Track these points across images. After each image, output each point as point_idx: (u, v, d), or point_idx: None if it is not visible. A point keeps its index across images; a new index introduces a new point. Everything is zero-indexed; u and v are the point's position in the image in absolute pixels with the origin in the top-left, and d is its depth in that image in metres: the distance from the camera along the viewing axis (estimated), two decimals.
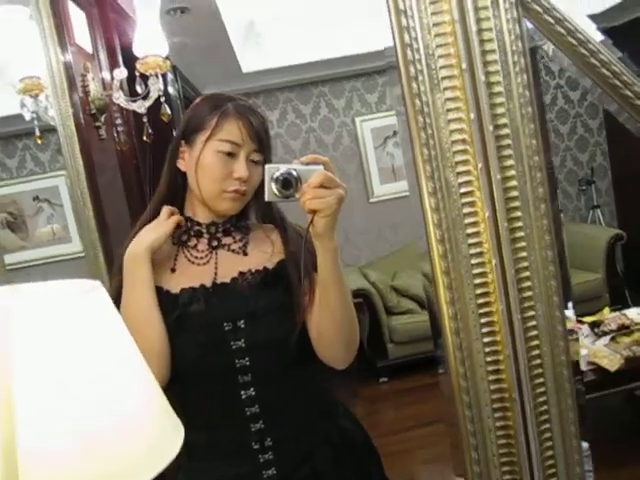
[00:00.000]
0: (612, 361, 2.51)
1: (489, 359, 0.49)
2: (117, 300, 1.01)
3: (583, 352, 2.60)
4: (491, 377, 0.49)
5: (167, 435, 0.70)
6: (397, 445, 3.13)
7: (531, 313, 0.49)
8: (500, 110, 0.47)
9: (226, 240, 1.08)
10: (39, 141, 1.74)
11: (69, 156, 1.61)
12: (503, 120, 0.47)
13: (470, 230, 0.48)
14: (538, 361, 0.50)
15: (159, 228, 1.03)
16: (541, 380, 0.50)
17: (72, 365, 0.61)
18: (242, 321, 1.02)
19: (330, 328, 1.00)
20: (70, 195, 1.70)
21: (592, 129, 5.01)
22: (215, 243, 1.07)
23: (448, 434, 0.58)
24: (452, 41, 0.46)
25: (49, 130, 1.74)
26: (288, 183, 0.89)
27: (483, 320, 0.49)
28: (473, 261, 0.48)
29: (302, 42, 4.08)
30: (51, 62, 1.60)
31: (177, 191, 1.08)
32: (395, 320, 4.00)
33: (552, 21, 0.48)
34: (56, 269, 1.70)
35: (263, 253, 1.08)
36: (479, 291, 0.48)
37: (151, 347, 0.96)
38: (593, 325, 2.93)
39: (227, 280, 1.04)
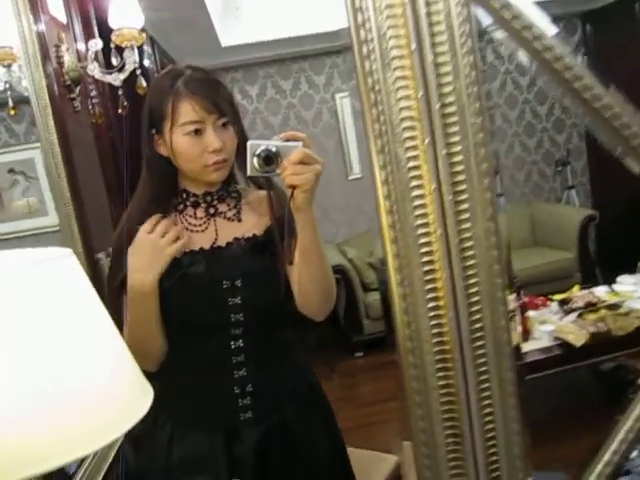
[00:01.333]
0: (578, 337, 2.60)
1: (433, 322, 0.53)
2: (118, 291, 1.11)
3: (550, 328, 2.69)
4: (435, 340, 0.53)
5: (135, 398, 0.73)
6: (375, 416, 3.22)
7: (474, 280, 0.53)
8: (447, 89, 0.50)
9: (221, 207, 1.16)
10: (12, 112, 1.72)
11: (43, 128, 1.61)
12: (450, 99, 0.50)
13: (417, 202, 0.51)
14: (479, 325, 0.53)
15: (161, 257, 1.07)
16: (482, 342, 0.53)
17: (44, 324, 0.63)
18: (239, 280, 1.10)
19: (310, 286, 1.10)
20: (45, 167, 1.69)
21: (569, 110, 5.08)
22: (212, 211, 1.15)
23: (400, 407, 0.62)
24: (402, 22, 0.49)
25: (24, 101, 1.72)
26: (269, 159, 0.96)
27: (428, 286, 0.52)
28: (419, 231, 0.51)
29: (282, 17, 4.04)
30: (24, 32, 1.59)
31: (165, 173, 1.13)
32: (371, 296, 4.07)
33: (497, 6, 0.51)
34: (32, 242, 1.70)
35: (253, 218, 1.16)
36: (425, 259, 0.52)
37: (152, 355, 1.11)
38: (562, 302, 3.02)
39: (223, 244, 1.13)
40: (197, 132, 1.05)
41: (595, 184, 5.09)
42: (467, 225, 0.52)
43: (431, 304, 0.53)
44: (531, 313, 2.87)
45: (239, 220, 1.16)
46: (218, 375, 1.14)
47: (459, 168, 0.51)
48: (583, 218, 4.27)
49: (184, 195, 1.14)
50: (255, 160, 0.96)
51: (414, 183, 0.51)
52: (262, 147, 0.96)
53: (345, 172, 4.78)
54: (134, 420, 0.69)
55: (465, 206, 0.51)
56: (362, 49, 0.50)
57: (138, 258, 1.07)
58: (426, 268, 0.52)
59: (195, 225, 1.14)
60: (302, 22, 4.09)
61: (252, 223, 1.16)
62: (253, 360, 1.13)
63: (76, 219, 1.66)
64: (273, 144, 0.96)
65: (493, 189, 0.52)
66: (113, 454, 1.57)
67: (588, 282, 3.74)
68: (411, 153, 0.51)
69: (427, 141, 0.50)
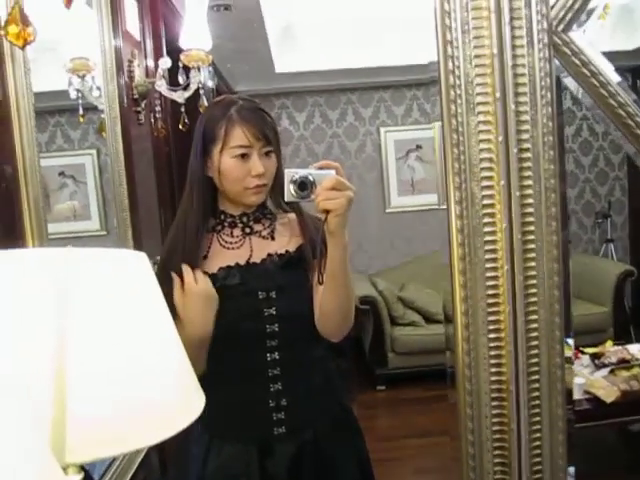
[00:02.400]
0: (608, 393, 2.55)
1: (492, 353, 0.55)
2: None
3: (580, 381, 2.64)
4: (493, 369, 0.56)
5: (191, 399, 0.77)
6: (390, 452, 3.18)
7: (534, 317, 0.55)
8: (525, 136, 0.54)
9: (257, 227, 1.22)
10: (82, 119, 1.81)
11: (111, 136, 1.69)
12: (527, 145, 0.54)
13: (488, 238, 0.54)
14: (536, 360, 0.56)
15: (213, 304, 1.14)
16: (536, 377, 0.56)
17: (119, 317, 0.68)
18: (274, 292, 1.16)
19: (332, 308, 1.16)
20: (95, 173, 1.75)
21: (614, 163, 5.04)
22: (248, 230, 1.21)
23: (450, 446, 0.65)
24: (489, 72, 0.53)
25: (87, 108, 1.80)
26: (304, 185, 1.04)
27: (491, 318, 0.55)
28: (487, 265, 0.54)
29: (336, 49, 4.16)
30: (104, 46, 1.69)
31: (208, 193, 1.20)
32: (398, 330, 4.05)
33: (579, 63, 0.55)
34: (73, 245, 1.76)
35: (285, 238, 1.23)
36: (490, 292, 0.55)
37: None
38: (594, 356, 2.96)
39: (257, 260, 1.18)
40: (244, 156, 1.14)
41: (635, 239, 5.01)
42: (532, 264, 0.55)
43: (492, 335, 0.56)
44: None
45: (272, 238, 1.22)
46: (254, 388, 1.17)
47: (530, 210, 0.55)
48: (620, 273, 4.20)
49: (222, 216, 1.21)
50: (291, 187, 1.05)
51: (487, 220, 0.54)
52: (298, 175, 1.04)
53: (383, 205, 4.81)
54: (189, 420, 0.72)
55: (532, 246, 0.55)
56: (450, 93, 0.54)
57: (192, 309, 1.12)
58: (490, 301, 0.55)
59: (231, 243, 1.20)
60: (355, 55, 4.19)
61: (285, 241, 1.22)
62: (288, 374, 1.17)
63: (131, 225, 1.73)
64: (308, 172, 1.05)
65: (560, 232, 0.56)
66: (140, 459, 1.61)
67: (621, 338, 3.66)
68: (487, 192, 0.54)
69: (503, 183, 0.54)
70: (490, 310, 0.56)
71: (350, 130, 4.83)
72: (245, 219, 1.21)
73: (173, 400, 0.72)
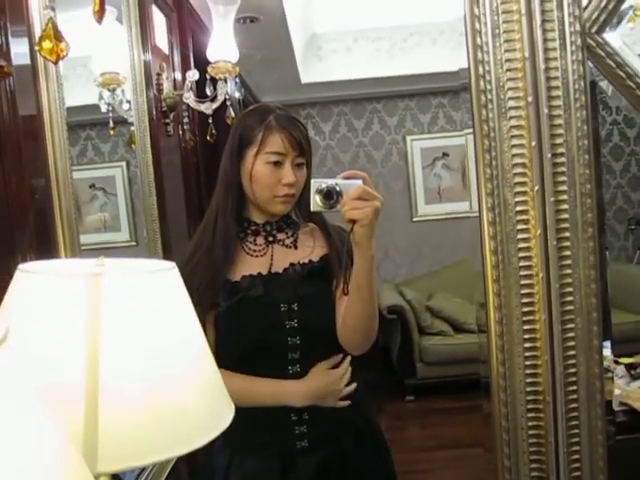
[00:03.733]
0: None
1: (528, 363, 0.54)
2: None
3: (616, 392, 2.56)
4: (528, 380, 0.54)
5: (221, 408, 0.77)
6: (418, 464, 3.14)
7: (571, 325, 0.54)
8: (559, 140, 0.53)
9: (280, 236, 1.22)
10: (112, 132, 1.84)
11: (140, 148, 1.72)
12: (561, 149, 0.53)
13: (522, 245, 0.53)
14: (573, 370, 0.54)
15: None
16: (574, 388, 0.54)
17: (149, 328, 0.68)
18: (296, 304, 1.15)
19: (355, 320, 1.13)
20: (125, 185, 1.78)
21: None
22: (271, 239, 1.21)
23: (485, 458, 0.63)
24: (521, 76, 0.52)
25: (117, 122, 1.84)
26: (330, 195, 1.03)
27: (526, 327, 0.54)
28: (522, 273, 0.53)
29: (361, 58, 4.17)
30: (134, 61, 1.72)
31: (238, 196, 1.20)
32: (427, 340, 4.01)
33: (613, 65, 0.53)
34: (104, 255, 1.78)
35: (309, 247, 1.22)
36: (525, 300, 0.53)
37: None
38: (630, 367, 2.88)
39: (280, 270, 1.18)
40: (277, 164, 1.14)
41: None
42: (569, 271, 0.53)
43: (527, 344, 0.54)
44: None
45: (295, 247, 1.21)
46: None
47: (565, 216, 0.53)
48: None
49: (246, 224, 1.21)
50: (318, 196, 1.03)
51: (520, 227, 0.53)
52: (325, 184, 1.03)
53: (410, 214, 4.79)
54: (219, 430, 0.72)
55: (568, 253, 0.53)
56: (480, 98, 0.53)
57: (326, 390, 1.16)
58: (525, 309, 0.54)
59: (255, 251, 1.20)
60: (380, 64, 4.20)
61: (308, 251, 1.21)
62: None
63: (160, 235, 1.75)
64: (334, 182, 1.03)
65: (596, 238, 0.54)
66: (169, 468, 1.61)
67: None
68: (520, 198, 0.53)
69: (537, 188, 0.53)
70: (525, 319, 0.54)
71: (376, 139, 4.83)
72: (269, 227, 1.21)
73: (203, 410, 0.72)
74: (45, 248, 1.13)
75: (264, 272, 1.17)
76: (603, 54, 0.54)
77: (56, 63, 0.94)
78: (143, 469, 1.47)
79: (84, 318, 0.66)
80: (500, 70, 0.53)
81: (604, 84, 0.60)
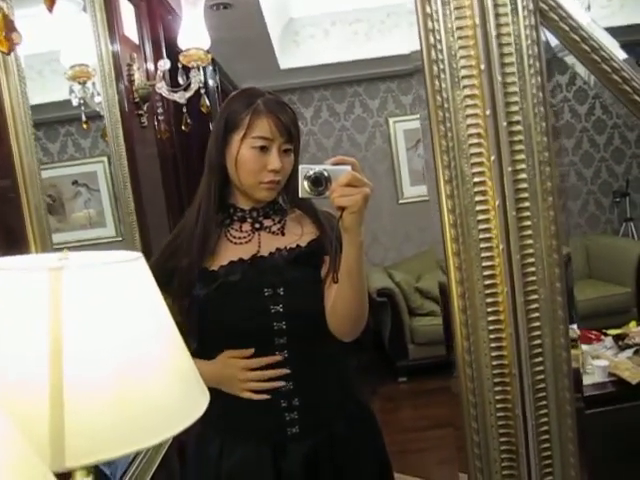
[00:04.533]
0: (634, 374, 2.49)
1: (492, 336, 0.53)
2: None
3: (604, 363, 2.58)
4: (493, 353, 0.54)
5: (194, 397, 0.76)
6: (413, 444, 3.16)
7: (534, 297, 0.53)
8: (514, 108, 0.51)
9: (267, 222, 1.20)
10: (85, 127, 1.81)
11: (113, 141, 1.69)
12: (517, 117, 0.52)
13: (481, 217, 0.52)
14: (538, 341, 0.54)
15: (234, 386, 1.15)
16: (540, 359, 0.54)
17: (114, 320, 0.67)
18: (281, 289, 1.13)
19: (345, 307, 1.11)
20: (107, 180, 1.76)
21: (630, 141, 4.94)
22: (258, 225, 1.19)
23: (455, 436, 0.63)
24: (473, 44, 0.51)
25: (92, 117, 1.80)
26: (319, 182, 1.00)
27: (489, 300, 0.53)
28: (482, 245, 0.52)
29: (339, 41, 4.13)
30: (101, 52, 1.69)
31: (222, 181, 1.17)
32: (417, 321, 4.02)
33: (567, 28, 0.52)
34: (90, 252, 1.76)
35: (296, 233, 1.20)
36: (486, 273, 0.53)
37: None
38: (617, 338, 2.90)
39: (265, 254, 1.16)
40: (263, 149, 1.12)
41: None
42: (529, 241, 0.53)
43: (491, 317, 0.53)
44: (584, 347, 2.77)
45: (282, 234, 1.19)
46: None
47: (523, 185, 0.52)
48: None
49: (231, 210, 1.19)
50: (306, 183, 1.01)
51: (479, 198, 0.52)
52: (313, 170, 1.00)
53: (396, 196, 4.78)
54: (191, 419, 0.71)
55: (528, 223, 0.52)
56: (432, 68, 0.52)
57: (221, 376, 1.13)
58: (487, 282, 0.53)
59: (239, 238, 1.18)
60: (358, 46, 4.16)
61: (295, 237, 1.19)
62: (299, 373, 1.14)
63: (138, 228, 1.73)
64: (323, 168, 1.01)
65: (557, 207, 0.53)
66: (159, 459, 1.61)
67: None
68: (477, 169, 0.52)
69: (493, 158, 0.52)
70: (487, 292, 0.53)
71: (358, 122, 4.80)
72: (255, 214, 1.19)
73: (175, 399, 0.71)
74: (15, 248, 1.11)
75: (245, 257, 1.15)
76: (556, 18, 0.53)
77: (8, 53, 0.91)
78: (133, 460, 1.47)
79: (46, 312, 0.64)
80: (451, 38, 0.51)
81: (570, 59, 0.58)
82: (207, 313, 1.13)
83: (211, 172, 1.17)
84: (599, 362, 2.62)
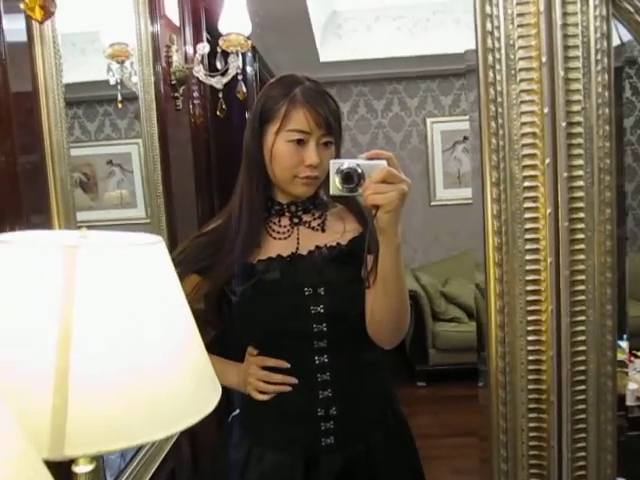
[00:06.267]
0: None
1: (531, 358, 0.49)
2: None
3: (633, 387, 2.49)
4: (530, 376, 0.49)
5: (205, 392, 0.72)
6: (428, 451, 3.09)
7: (581, 318, 0.48)
8: (576, 107, 0.46)
9: (306, 217, 1.13)
10: (120, 105, 1.80)
11: (146, 122, 1.68)
12: (577, 118, 0.46)
13: (529, 225, 0.47)
14: (582, 367, 0.49)
15: (243, 383, 1.12)
16: (582, 387, 0.49)
17: (127, 305, 0.64)
18: (322, 288, 1.06)
19: (382, 312, 1.03)
20: (141, 162, 1.76)
21: None
22: (296, 220, 1.12)
23: (479, 448, 0.57)
24: (535, 33, 0.46)
25: (129, 98, 1.80)
26: (350, 178, 0.92)
27: (530, 318, 0.48)
28: (528, 257, 0.47)
29: (381, 37, 4.06)
30: (140, 31, 1.67)
31: (261, 172, 1.11)
32: (440, 326, 3.95)
33: None
34: (120, 231, 1.77)
35: (337, 230, 1.12)
36: (530, 288, 0.48)
37: None
38: None
39: (304, 253, 1.09)
40: (300, 142, 1.04)
41: None
42: (581, 257, 0.47)
43: (531, 337, 0.49)
44: None
45: (323, 230, 1.12)
46: (302, 394, 1.08)
47: (579, 194, 0.47)
48: None
49: (269, 203, 1.13)
50: (337, 179, 0.93)
51: (528, 205, 0.47)
52: (345, 165, 0.92)
53: (428, 198, 4.70)
54: (201, 415, 0.68)
55: (581, 236, 0.47)
56: (487, 57, 0.47)
57: (233, 374, 1.12)
58: (530, 298, 0.48)
59: (278, 232, 1.12)
60: (401, 43, 4.09)
61: (336, 233, 1.12)
62: (339, 380, 1.07)
63: (165, 211, 1.72)
64: (356, 162, 0.92)
65: (614, 220, 0.48)
66: (168, 448, 1.59)
67: None
68: (528, 172, 0.47)
69: (548, 161, 0.46)
70: (530, 309, 0.49)
71: (395, 120, 4.73)
72: (293, 208, 1.12)
73: (185, 393, 0.68)
74: (37, 224, 1.09)
75: (284, 254, 1.09)
76: (631, 9, 0.48)
77: (42, 22, 0.88)
78: (140, 447, 1.45)
79: (58, 291, 0.61)
80: (511, 26, 0.46)
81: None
82: (243, 311, 1.08)
83: (249, 164, 1.11)
84: (629, 385, 2.52)
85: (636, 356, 2.90)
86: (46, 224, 1.09)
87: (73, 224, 1.14)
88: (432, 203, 4.71)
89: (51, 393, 0.59)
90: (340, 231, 1.12)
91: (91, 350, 0.61)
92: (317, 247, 1.10)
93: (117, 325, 0.64)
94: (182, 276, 1.06)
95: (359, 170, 0.92)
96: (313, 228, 1.12)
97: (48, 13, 0.81)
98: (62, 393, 0.59)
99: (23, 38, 1.05)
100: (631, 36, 0.50)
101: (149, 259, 0.70)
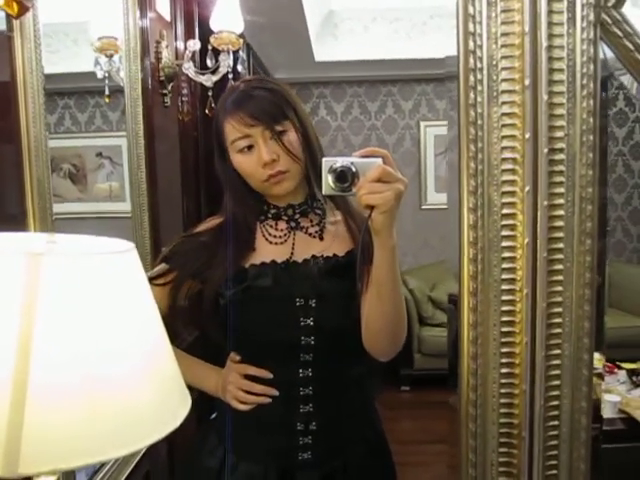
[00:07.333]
0: None
1: (503, 391, 0.47)
2: None
3: (615, 399, 2.48)
4: (502, 410, 0.47)
5: (172, 406, 0.70)
6: (408, 457, 3.08)
7: (557, 351, 0.46)
8: (559, 134, 0.44)
9: (304, 222, 1.09)
10: (107, 100, 1.78)
11: (131, 118, 1.65)
12: (560, 144, 0.45)
13: (506, 254, 0.45)
14: (556, 402, 0.47)
15: (223, 391, 1.10)
16: (555, 422, 0.47)
17: (93, 315, 0.61)
18: (314, 300, 1.03)
19: (378, 320, 0.99)
20: (131, 155, 1.74)
21: None
22: (294, 224, 1.08)
23: (448, 454, 0.55)
24: (519, 54, 0.44)
25: (121, 91, 1.78)
26: (344, 176, 0.87)
27: (504, 350, 0.46)
28: (504, 287, 0.46)
29: (377, 38, 4.04)
30: (128, 25, 1.64)
31: (240, 186, 1.08)
32: (427, 331, 3.95)
33: (632, 47, 0.45)
34: (109, 224, 1.75)
35: (335, 239, 1.09)
36: (505, 319, 0.46)
37: None
38: (632, 373, 2.79)
39: (299, 260, 1.06)
40: (250, 148, 1.01)
41: None
42: (559, 288, 0.46)
43: (504, 370, 0.47)
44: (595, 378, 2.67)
45: (321, 238, 1.09)
46: (282, 406, 1.06)
47: (559, 223, 0.45)
48: None
49: (265, 207, 1.09)
50: (330, 177, 0.88)
51: (505, 233, 0.45)
52: (338, 163, 0.87)
53: (419, 202, 4.69)
54: (168, 429, 0.66)
55: (560, 267, 0.45)
56: (469, 77, 0.45)
57: (211, 379, 1.11)
58: (505, 329, 0.46)
59: (275, 237, 1.08)
60: (397, 45, 4.07)
61: (334, 243, 1.08)
62: (322, 395, 1.05)
63: (148, 210, 1.69)
64: (350, 160, 0.87)
65: (594, 253, 0.46)
66: (131, 467, 1.55)
67: None
68: (507, 199, 0.45)
69: (527, 189, 0.45)
70: (504, 340, 0.47)
71: (389, 123, 4.72)
72: (290, 212, 1.08)
73: (151, 409, 0.65)
74: (10, 222, 1.06)
75: (278, 260, 1.05)
76: (620, 33, 0.46)
77: (16, 18, 0.85)
78: (100, 468, 1.41)
79: (18, 302, 0.59)
80: (494, 45, 0.44)
81: (626, 78, 0.51)
82: (230, 315, 1.03)
83: (228, 185, 1.08)
84: (610, 397, 2.51)
85: (620, 367, 2.90)
86: (20, 222, 1.06)
87: (49, 223, 1.11)
88: (423, 206, 4.70)
89: (7, 406, 0.56)
90: (338, 241, 1.08)
91: (52, 361, 0.58)
92: (313, 256, 1.06)
93: (82, 336, 0.61)
94: (178, 278, 1.06)
95: (353, 169, 0.87)
96: (310, 234, 1.09)
97: (24, 8, 0.78)
98: (18, 407, 0.56)
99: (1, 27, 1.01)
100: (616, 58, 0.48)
101: (118, 268, 0.67)
